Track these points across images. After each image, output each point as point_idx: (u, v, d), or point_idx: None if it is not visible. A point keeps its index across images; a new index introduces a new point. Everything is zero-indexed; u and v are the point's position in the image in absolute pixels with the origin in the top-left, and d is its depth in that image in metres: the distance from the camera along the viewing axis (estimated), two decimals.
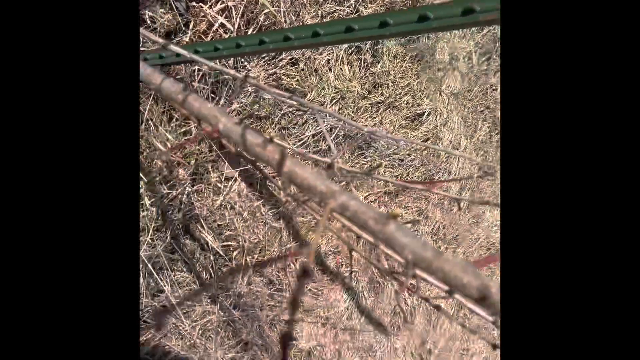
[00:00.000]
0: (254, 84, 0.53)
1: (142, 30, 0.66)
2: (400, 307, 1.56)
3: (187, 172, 1.34)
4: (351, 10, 1.59)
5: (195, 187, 1.37)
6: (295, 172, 0.37)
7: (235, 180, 1.46)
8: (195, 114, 0.47)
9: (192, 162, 1.32)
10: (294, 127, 1.58)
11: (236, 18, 1.26)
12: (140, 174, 1.16)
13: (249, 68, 1.39)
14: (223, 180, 1.44)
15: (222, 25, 1.25)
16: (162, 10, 1.21)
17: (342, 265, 1.83)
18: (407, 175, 2.00)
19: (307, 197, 0.55)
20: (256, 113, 1.47)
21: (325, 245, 1.75)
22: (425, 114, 1.95)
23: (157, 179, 1.17)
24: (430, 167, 2.08)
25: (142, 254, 1.15)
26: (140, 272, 1.17)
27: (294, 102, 0.59)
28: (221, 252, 1.41)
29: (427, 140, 1.99)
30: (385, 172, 1.93)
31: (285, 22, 1.39)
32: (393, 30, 0.75)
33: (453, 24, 0.69)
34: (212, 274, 1.37)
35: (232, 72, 0.63)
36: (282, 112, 1.52)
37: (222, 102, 1.35)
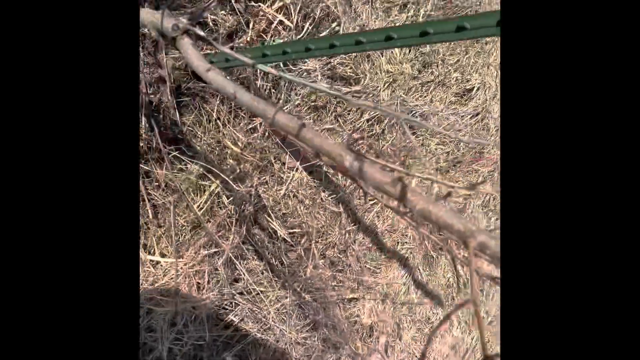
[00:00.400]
0: (304, 82, 0.57)
1: (228, 50, 0.71)
2: (456, 271, 1.61)
3: (254, 166, 1.40)
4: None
5: (261, 179, 1.44)
6: (429, 210, 0.42)
7: (297, 169, 1.52)
8: (315, 149, 0.52)
9: (257, 156, 1.38)
10: (349, 114, 1.61)
11: (294, 14, 1.29)
12: (216, 172, 1.23)
13: (306, 61, 1.42)
14: (285, 170, 1.50)
15: (280, 22, 1.28)
16: (222, 12, 1.25)
17: (397, 243, 1.89)
18: (458, 150, 2.02)
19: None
20: (313, 103, 1.51)
21: (381, 225, 1.81)
22: (475, 88, 1.94)
23: (231, 177, 1.24)
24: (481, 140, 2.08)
25: (225, 246, 1.23)
26: (221, 262, 1.26)
27: (337, 93, 0.63)
28: (288, 239, 1.49)
29: (477, 115, 1.99)
30: (436, 149, 1.94)
31: (338, 11, 1.41)
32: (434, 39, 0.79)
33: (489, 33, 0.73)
34: (283, 261, 1.45)
35: (290, 76, 0.67)
36: (338, 100, 1.55)
37: (282, 97, 1.40)
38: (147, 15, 0.75)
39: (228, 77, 0.62)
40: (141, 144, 1.19)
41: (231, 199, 1.22)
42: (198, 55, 0.68)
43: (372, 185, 0.48)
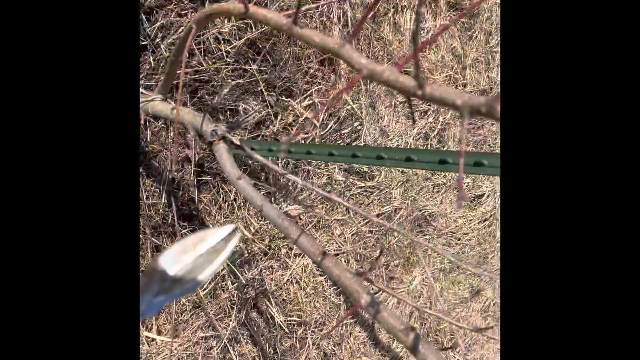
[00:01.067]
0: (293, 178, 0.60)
1: (261, 158, 0.75)
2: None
3: (262, 251, 1.42)
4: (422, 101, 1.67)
5: (266, 263, 1.45)
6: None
7: (303, 256, 1.53)
8: (333, 280, 0.54)
9: (267, 241, 1.40)
10: (360, 205, 1.65)
11: (320, 114, 1.36)
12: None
13: None
14: (292, 256, 1.51)
15: (306, 118, 1.36)
16: (254, 102, 1.33)
17: (393, 341, 1.84)
18: (463, 253, 2.02)
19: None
20: (328, 193, 1.55)
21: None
22: (485, 195, 1.99)
23: (238, 261, 1.25)
24: (486, 246, 2.09)
25: (221, 330, 1.22)
26: (215, 349, 1.24)
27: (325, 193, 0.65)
28: (284, 327, 1.47)
29: (484, 220, 2.02)
30: (443, 249, 1.96)
31: (362, 113, 1.48)
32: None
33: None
34: (276, 349, 1.42)
35: (292, 177, 0.70)
36: (351, 192, 1.60)
37: (299, 184, 1.45)
38: (188, 115, 0.81)
39: (257, 190, 0.66)
40: (157, 218, 1.22)
41: (235, 284, 1.23)
42: (231, 162, 0.73)
43: (385, 329, 0.50)
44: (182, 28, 1.15)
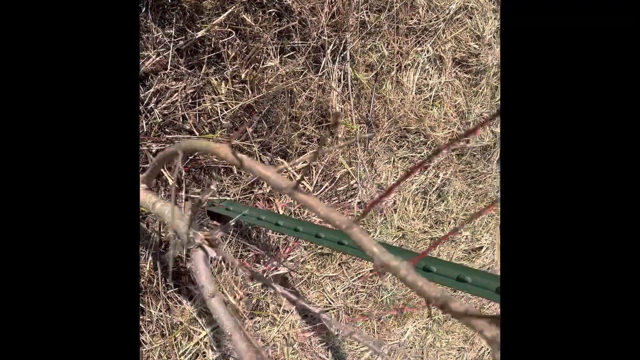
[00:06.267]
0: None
1: (239, 262, 0.73)
2: None
3: (248, 306, 1.40)
4: (422, 156, 1.64)
5: (253, 320, 1.42)
6: None
7: (292, 312, 1.51)
8: None
9: (252, 303, 1.38)
10: (353, 261, 1.62)
11: (315, 176, 1.34)
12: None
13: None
14: (280, 312, 1.49)
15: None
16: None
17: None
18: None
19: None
20: (319, 250, 1.53)
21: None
22: (484, 248, 1.95)
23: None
24: (482, 298, 2.06)
25: None
26: None
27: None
28: None
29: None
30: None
31: (358, 173, 1.46)
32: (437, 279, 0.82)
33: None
34: None
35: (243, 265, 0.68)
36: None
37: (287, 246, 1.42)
38: (168, 213, 0.79)
39: (229, 313, 0.64)
40: (142, 280, 1.20)
41: (217, 355, 1.21)
42: (207, 274, 0.71)
43: None
44: (176, 93, 1.13)
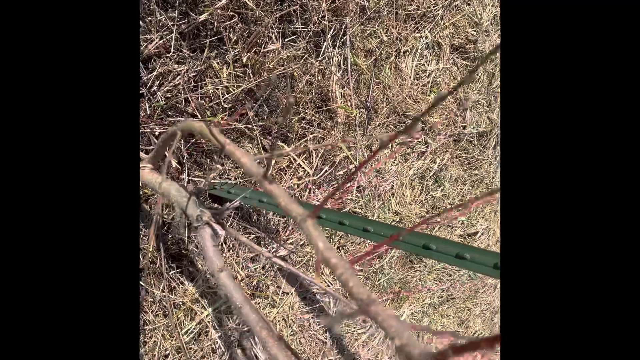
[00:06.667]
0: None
1: (245, 239, 0.75)
2: None
3: (250, 287, 1.43)
4: (419, 141, 1.67)
5: (254, 301, 1.45)
6: None
7: (291, 294, 1.54)
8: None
9: (254, 284, 1.41)
10: (351, 245, 1.65)
11: (315, 160, 1.36)
12: (205, 303, 1.26)
13: (319, 195, 1.48)
14: (280, 294, 1.52)
15: (299, 164, 1.35)
16: (249, 145, 1.33)
17: None
18: (454, 289, 2.03)
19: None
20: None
21: (365, 354, 1.79)
22: (479, 233, 1.99)
23: (222, 307, 1.26)
24: (477, 281, 2.10)
25: None
26: None
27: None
28: None
29: None
30: (433, 284, 1.96)
31: (357, 158, 1.48)
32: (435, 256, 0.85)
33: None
34: None
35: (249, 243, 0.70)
36: (342, 233, 1.60)
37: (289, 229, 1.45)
38: (175, 192, 0.81)
39: (239, 287, 0.66)
40: (145, 261, 1.22)
41: (220, 334, 1.24)
42: (215, 251, 0.73)
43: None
44: (179, 76, 1.14)
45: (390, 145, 1.55)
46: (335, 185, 1.45)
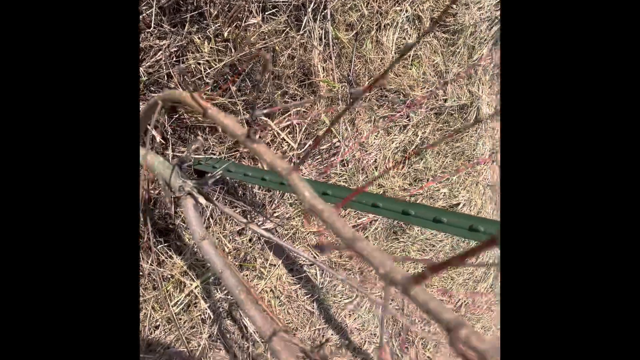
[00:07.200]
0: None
1: (230, 210, 0.78)
2: None
3: (237, 259, 1.46)
4: (401, 115, 1.69)
5: (242, 273, 1.49)
6: None
7: (278, 266, 1.58)
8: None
9: (241, 256, 1.44)
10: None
11: (299, 134, 1.38)
12: (195, 278, 1.29)
13: (303, 169, 1.51)
14: (267, 266, 1.55)
15: (283, 138, 1.38)
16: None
17: (365, 342, 1.92)
18: (437, 259, 2.09)
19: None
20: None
21: (352, 323, 1.85)
22: (461, 204, 2.04)
23: (211, 279, 1.29)
24: (459, 251, 2.16)
25: (196, 342, 1.27)
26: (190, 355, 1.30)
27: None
28: (257, 337, 1.53)
29: None
30: (416, 255, 2.01)
31: (340, 132, 1.50)
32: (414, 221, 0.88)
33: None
34: (249, 355, 1.48)
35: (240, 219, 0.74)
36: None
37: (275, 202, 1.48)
38: (158, 164, 0.83)
39: (220, 255, 0.69)
40: None
41: (209, 304, 1.27)
42: (197, 220, 0.75)
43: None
44: (160, 52, 1.15)
45: (365, 98, 1.57)
46: (316, 139, 1.48)
